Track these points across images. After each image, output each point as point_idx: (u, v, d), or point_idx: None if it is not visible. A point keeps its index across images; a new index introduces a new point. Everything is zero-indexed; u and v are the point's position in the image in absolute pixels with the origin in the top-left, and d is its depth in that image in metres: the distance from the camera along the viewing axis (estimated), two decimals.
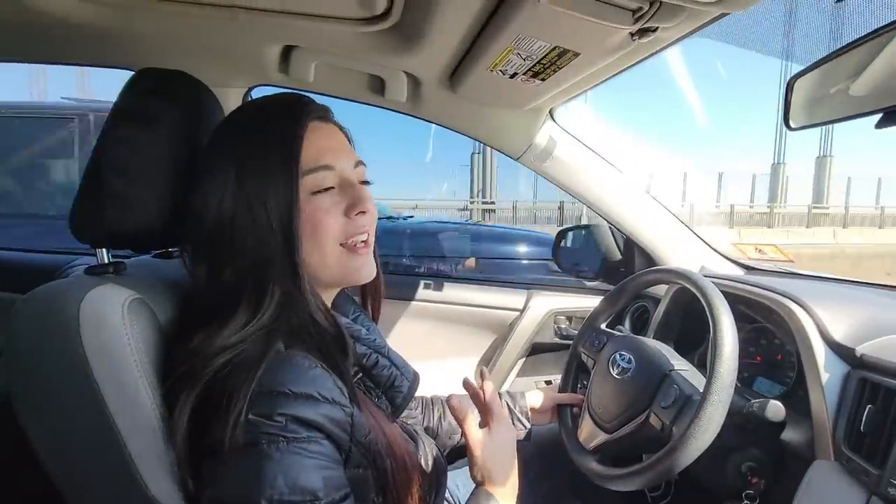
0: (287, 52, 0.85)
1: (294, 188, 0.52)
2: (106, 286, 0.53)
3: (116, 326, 0.49)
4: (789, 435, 0.73)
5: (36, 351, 0.50)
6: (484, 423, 0.68)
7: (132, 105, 0.59)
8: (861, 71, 0.49)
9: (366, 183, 0.61)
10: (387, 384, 0.62)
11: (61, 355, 0.49)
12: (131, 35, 0.77)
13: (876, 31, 0.45)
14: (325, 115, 0.60)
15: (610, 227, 1.29)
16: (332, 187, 0.56)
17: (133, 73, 0.63)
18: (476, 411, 0.70)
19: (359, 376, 0.60)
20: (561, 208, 16.63)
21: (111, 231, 0.58)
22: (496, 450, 0.63)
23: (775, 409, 0.68)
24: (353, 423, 0.51)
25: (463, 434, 0.65)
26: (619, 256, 1.32)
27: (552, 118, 1.04)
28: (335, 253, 0.57)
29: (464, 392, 0.95)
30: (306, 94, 0.61)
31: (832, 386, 0.68)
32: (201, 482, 0.48)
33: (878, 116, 0.46)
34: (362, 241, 0.58)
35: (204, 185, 0.54)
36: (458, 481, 0.94)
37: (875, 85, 0.49)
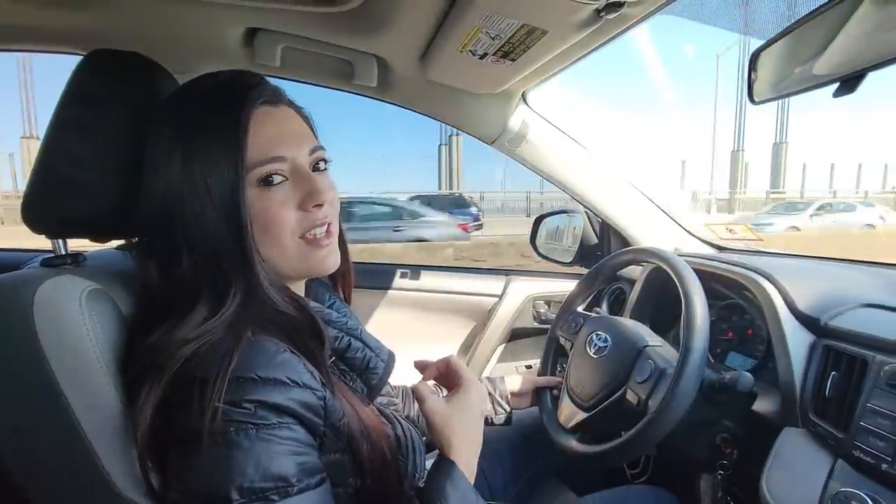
0: (251, 35, 0.83)
1: (241, 180, 0.49)
2: (63, 277, 0.51)
3: (74, 317, 0.48)
4: (760, 405, 0.75)
5: None
6: (450, 388, 0.66)
7: (82, 87, 0.57)
8: (821, 41, 0.50)
9: (324, 164, 0.58)
10: (361, 366, 0.61)
11: (15, 347, 0.46)
12: (82, 18, 0.74)
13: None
14: (275, 98, 0.55)
15: (586, 212, 1.31)
16: (286, 179, 0.53)
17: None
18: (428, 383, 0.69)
19: (332, 360, 0.59)
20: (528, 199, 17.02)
21: (66, 220, 0.56)
22: (455, 417, 0.60)
23: (746, 380, 0.70)
24: (326, 407, 0.50)
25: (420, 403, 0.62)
26: (595, 240, 1.34)
27: (525, 102, 1.04)
28: (294, 246, 0.54)
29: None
30: (273, 78, 0.58)
31: (799, 356, 0.70)
32: (169, 475, 0.47)
33: (836, 85, 0.47)
34: (323, 233, 0.56)
35: (149, 171, 0.51)
36: None
37: (835, 56, 0.50)
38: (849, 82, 0.45)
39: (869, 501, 0.53)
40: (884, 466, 0.54)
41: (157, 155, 0.51)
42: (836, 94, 0.46)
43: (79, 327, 0.47)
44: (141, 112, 0.58)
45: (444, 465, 0.55)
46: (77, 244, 0.62)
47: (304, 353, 0.51)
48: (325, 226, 0.56)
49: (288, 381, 0.47)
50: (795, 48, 0.53)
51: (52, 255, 0.58)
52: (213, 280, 0.50)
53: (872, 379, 0.59)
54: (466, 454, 0.58)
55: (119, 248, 0.72)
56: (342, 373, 0.61)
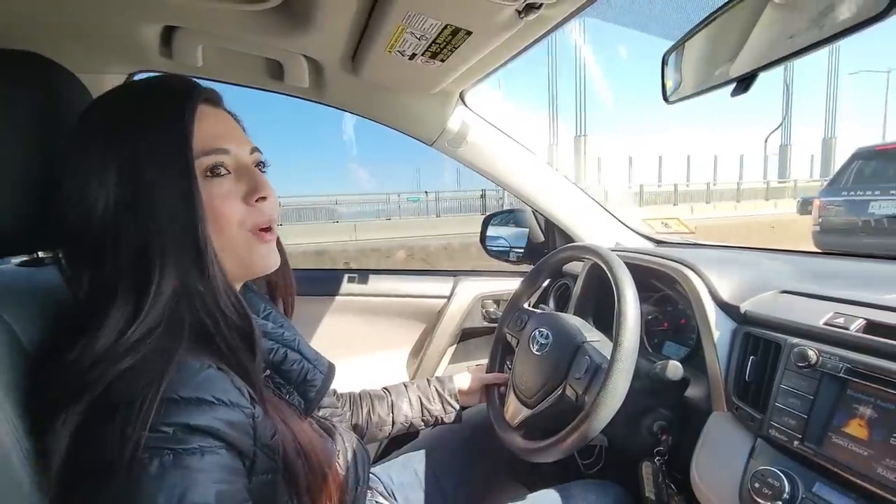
0: (169, 33, 0.78)
1: (192, 171, 0.48)
2: None
3: None
4: (692, 392, 0.78)
5: None
6: None
7: None
8: (723, 42, 0.52)
9: (262, 167, 0.58)
10: (298, 379, 0.59)
11: None
12: None
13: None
14: (213, 98, 0.56)
15: (533, 211, 1.33)
16: (229, 172, 0.53)
17: None
18: None
19: (266, 373, 0.57)
20: None
21: None
22: None
23: (674, 368, 0.72)
24: (255, 426, 0.48)
25: None
26: (542, 239, 1.36)
27: (463, 102, 1.04)
28: (241, 239, 0.54)
29: (396, 383, 0.96)
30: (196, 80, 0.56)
31: (723, 342, 0.73)
32: None
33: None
34: (266, 229, 0.56)
35: (81, 178, 0.48)
36: (391, 473, 0.93)
37: (742, 56, 0.53)
38: (743, 82, 0.48)
39: (783, 478, 0.56)
40: (795, 444, 0.57)
41: (93, 159, 0.49)
42: (734, 93, 0.49)
43: None
44: (42, 118, 0.53)
45: None
46: None
47: (233, 367, 0.49)
48: (268, 223, 0.56)
49: (213, 399, 0.44)
50: (700, 50, 0.56)
51: None
52: (135, 282, 0.47)
53: (784, 361, 0.62)
54: None
55: (22, 264, 0.66)
56: (277, 386, 0.58)
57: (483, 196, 18.26)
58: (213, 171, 0.51)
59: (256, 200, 0.54)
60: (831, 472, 0.54)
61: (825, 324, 0.62)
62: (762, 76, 0.47)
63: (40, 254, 0.66)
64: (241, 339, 0.50)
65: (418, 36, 0.67)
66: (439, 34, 0.66)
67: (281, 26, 0.72)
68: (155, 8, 0.70)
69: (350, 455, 0.68)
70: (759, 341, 0.68)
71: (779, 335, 0.65)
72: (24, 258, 0.66)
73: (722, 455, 0.66)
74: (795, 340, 0.62)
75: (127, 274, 0.47)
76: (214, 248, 0.50)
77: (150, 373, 0.43)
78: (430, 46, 0.70)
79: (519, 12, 0.60)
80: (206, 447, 0.43)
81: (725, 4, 0.50)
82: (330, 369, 0.64)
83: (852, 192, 5.23)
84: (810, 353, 0.59)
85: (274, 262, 0.58)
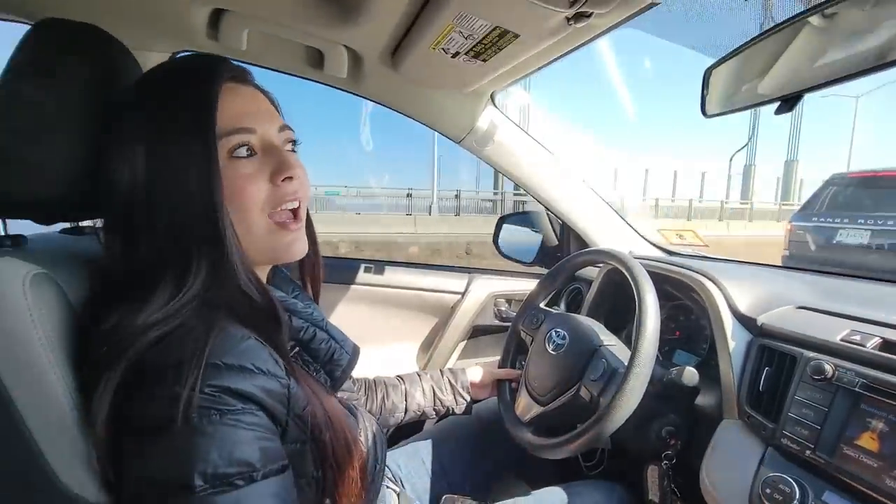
0: (217, 15, 0.79)
1: (212, 152, 0.49)
2: (2, 259, 0.47)
3: (17, 303, 0.44)
4: (702, 399, 0.80)
5: None
6: None
7: (31, 59, 0.53)
8: (766, 62, 0.54)
9: (293, 146, 0.58)
10: (325, 358, 0.61)
11: None
12: None
13: (781, 23, 0.50)
14: (241, 76, 0.55)
15: (547, 214, 1.35)
16: (255, 152, 0.53)
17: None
18: None
19: (296, 350, 0.58)
20: None
21: (6, 198, 0.52)
22: None
23: (690, 374, 0.74)
24: (289, 396, 0.50)
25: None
26: (556, 241, 1.38)
27: (493, 103, 1.06)
28: (261, 225, 0.54)
29: (409, 372, 0.97)
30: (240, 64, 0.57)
31: (738, 353, 0.75)
32: (125, 466, 0.45)
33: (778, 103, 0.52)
34: (291, 214, 0.56)
35: (113, 152, 0.50)
36: (399, 461, 0.95)
37: (778, 77, 0.55)
38: (788, 102, 0.50)
39: (794, 485, 0.58)
40: (807, 453, 0.59)
41: (123, 135, 0.50)
42: (778, 111, 0.51)
43: (23, 315, 0.44)
44: (98, 89, 0.55)
45: None
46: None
47: (267, 340, 0.51)
48: (295, 203, 0.56)
49: (253, 367, 0.46)
50: (744, 67, 0.58)
51: None
52: (178, 258, 0.49)
53: (800, 374, 0.65)
54: None
55: (65, 231, 0.68)
56: (306, 363, 0.60)
57: (409, 195, 17.18)
58: (237, 152, 0.51)
59: (283, 180, 0.53)
60: (841, 481, 0.56)
61: (842, 340, 0.64)
62: None
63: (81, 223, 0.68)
64: (265, 316, 0.52)
65: (465, 35, 0.68)
66: (487, 35, 0.67)
67: (330, 16, 0.74)
68: None
69: (370, 434, 0.69)
70: (775, 353, 0.70)
71: (795, 348, 0.67)
72: (66, 226, 0.68)
73: (733, 461, 0.68)
74: (812, 354, 0.65)
75: (168, 251, 0.49)
76: (236, 232, 0.51)
77: (194, 338, 0.45)
78: (475, 46, 0.72)
79: (568, 19, 0.61)
80: (247, 408, 0.45)
81: (771, 29, 0.52)
82: (355, 351, 0.66)
83: (823, 219, 5.21)
84: (827, 367, 0.61)
85: (299, 251, 0.58)
